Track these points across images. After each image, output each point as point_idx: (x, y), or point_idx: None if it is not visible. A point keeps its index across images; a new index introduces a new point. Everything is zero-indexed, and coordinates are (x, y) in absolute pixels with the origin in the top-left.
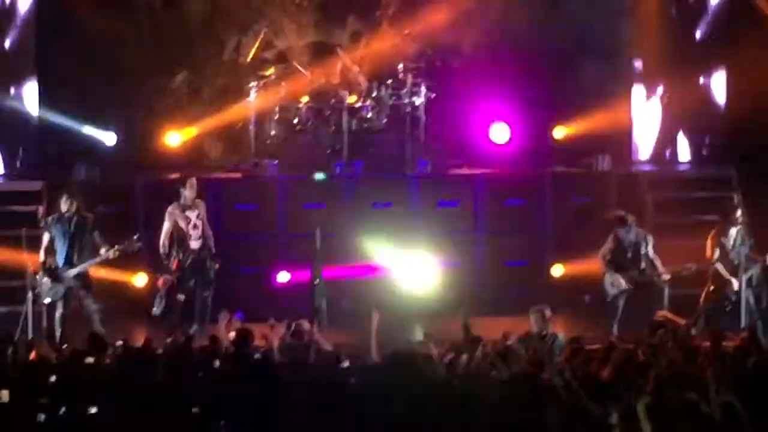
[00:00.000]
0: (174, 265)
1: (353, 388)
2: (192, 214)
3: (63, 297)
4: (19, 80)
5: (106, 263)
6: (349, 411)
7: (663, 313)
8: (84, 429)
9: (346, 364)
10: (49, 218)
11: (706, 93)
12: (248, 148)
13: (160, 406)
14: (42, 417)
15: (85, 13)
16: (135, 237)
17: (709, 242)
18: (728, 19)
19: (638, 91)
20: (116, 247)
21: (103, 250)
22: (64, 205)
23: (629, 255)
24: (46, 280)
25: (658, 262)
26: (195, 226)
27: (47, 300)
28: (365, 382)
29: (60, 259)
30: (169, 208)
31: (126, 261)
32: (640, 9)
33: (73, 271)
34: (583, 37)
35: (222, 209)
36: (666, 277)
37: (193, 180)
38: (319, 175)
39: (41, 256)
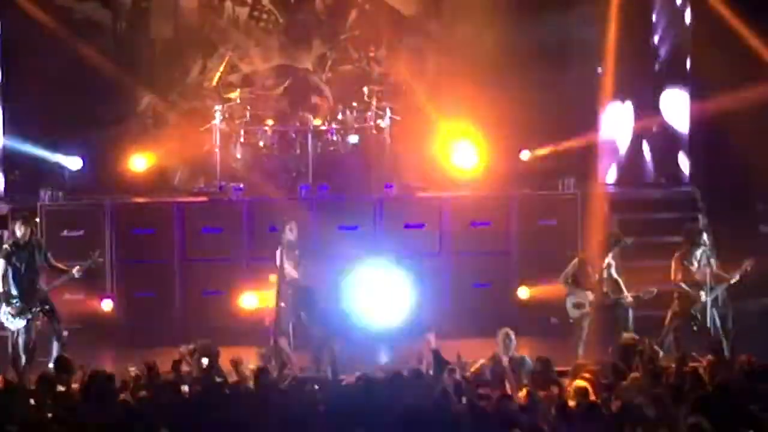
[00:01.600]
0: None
1: (322, 412)
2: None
3: (26, 324)
4: None
5: (72, 284)
6: None
7: (631, 335)
8: None
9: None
10: (5, 246)
11: (669, 115)
12: (213, 172)
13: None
14: None
15: (50, 38)
16: (96, 253)
17: (673, 264)
18: (692, 39)
19: (605, 115)
20: (79, 265)
21: (72, 270)
22: (18, 231)
23: (594, 277)
24: (6, 308)
25: (621, 284)
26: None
27: (11, 327)
28: (334, 405)
29: (19, 285)
30: (280, 252)
31: (93, 286)
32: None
33: (38, 295)
34: (549, 61)
35: (187, 233)
36: (629, 299)
37: (294, 223)
38: None
39: (0, 284)
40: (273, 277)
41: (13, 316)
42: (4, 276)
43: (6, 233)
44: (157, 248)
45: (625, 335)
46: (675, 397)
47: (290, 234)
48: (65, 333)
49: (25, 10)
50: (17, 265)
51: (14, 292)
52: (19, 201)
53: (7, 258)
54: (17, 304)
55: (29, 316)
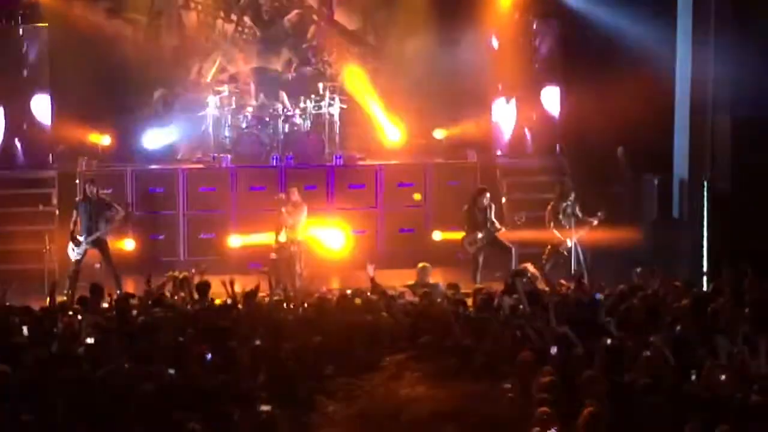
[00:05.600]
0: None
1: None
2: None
3: (81, 257)
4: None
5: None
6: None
7: (525, 265)
8: None
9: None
10: (76, 199)
11: (545, 104)
12: (209, 146)
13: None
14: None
15: (88, 45)
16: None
17: (547, 214)
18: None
19: (497, 103)
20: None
21: (116, 216)
22: (88, 191)
23: (479, 218)
24: (72, 244)
25: (497, 222)
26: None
27: (71, 257)
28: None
29: (83, 230)
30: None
31: (119, 230)
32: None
33: (91, 238)
34: (455, 59)
35: (189, 191)
36: (503, 228)
37: (295, 188)
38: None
39: (71, 227)
40: None
41: (74, 250)
42: (75, 221)
43: (54, 191)
44: (167, 203)
45: (523, 265)
46: (548, 313)
47: (295, 196)
48: (96, 266)
49: (69, 23)
50: (84, 215)
51: (79, 234)
52: (63, 168)
53: (77, 208)
54: (80, 241)
55: (83, 251)
